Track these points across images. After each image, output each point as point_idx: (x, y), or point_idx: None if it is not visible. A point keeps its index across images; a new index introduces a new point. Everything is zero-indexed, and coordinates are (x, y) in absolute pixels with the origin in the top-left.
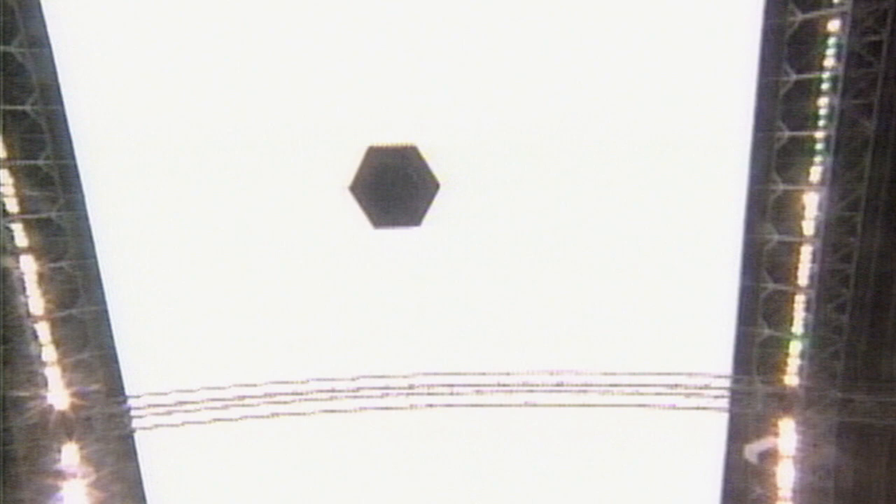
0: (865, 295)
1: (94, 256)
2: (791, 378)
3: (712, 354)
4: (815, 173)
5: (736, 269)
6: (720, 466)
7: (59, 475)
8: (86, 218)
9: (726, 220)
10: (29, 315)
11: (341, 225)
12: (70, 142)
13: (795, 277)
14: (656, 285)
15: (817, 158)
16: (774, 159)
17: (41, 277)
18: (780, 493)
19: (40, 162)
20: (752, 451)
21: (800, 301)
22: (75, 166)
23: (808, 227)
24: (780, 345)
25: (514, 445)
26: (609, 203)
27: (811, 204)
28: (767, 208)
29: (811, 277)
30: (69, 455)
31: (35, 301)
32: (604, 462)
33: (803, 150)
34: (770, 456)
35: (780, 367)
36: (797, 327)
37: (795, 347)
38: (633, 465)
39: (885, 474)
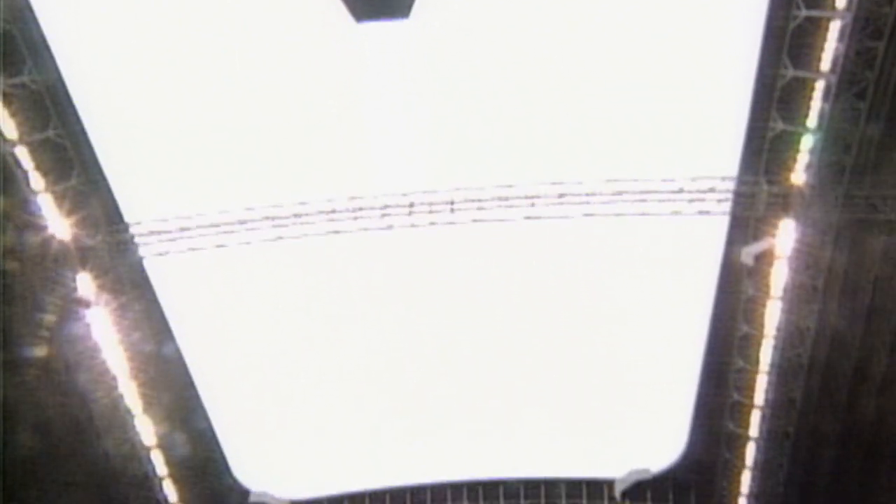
0: (891, 77)
1: (58, 71)
2: (798, 175)
3: (721, 153)
4: None
5: (754, 54)
6: (716, 269)
7: (79, 302)
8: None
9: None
10: (5, 140)
11: (323, 23)
12: None
13: (819, 60)
14: (665, 79)
15: None
16: None
17: (5, 97)
18: (772, 293)
19: None
20: (748, 253)
21: (819, 88)
22: None
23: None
24: (793, 140)
25: (517, 260)
26: None
27: None
28: None
29: (835, 60)
30: (84, 283)
31: (6, 123)
32: (603, 265)
33: None
34: (765, 257)
35: (788, 165)
36: (812, 120)
37: (807, 142)
38: (631, 268)
39: (876, 268)
